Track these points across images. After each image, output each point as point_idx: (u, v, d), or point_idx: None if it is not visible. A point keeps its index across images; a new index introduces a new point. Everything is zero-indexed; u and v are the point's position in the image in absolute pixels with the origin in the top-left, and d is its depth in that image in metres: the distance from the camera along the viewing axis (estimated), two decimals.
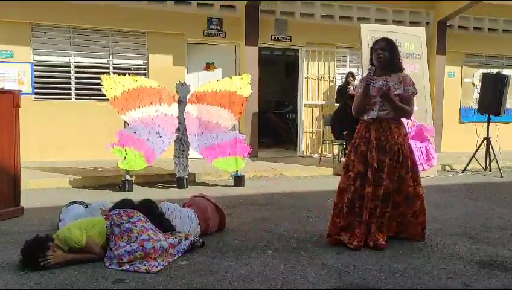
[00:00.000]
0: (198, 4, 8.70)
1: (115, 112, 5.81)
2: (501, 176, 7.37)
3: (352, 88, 8.95)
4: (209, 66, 9.08)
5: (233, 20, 8.91)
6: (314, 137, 9.71)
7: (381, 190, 3.41)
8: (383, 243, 3.42)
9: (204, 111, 6.18)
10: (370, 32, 7.27)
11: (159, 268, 2.93)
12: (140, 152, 5.79)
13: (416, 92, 3.57)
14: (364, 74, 3.57)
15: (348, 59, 9.96)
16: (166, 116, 6.01)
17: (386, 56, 3.49)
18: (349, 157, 3.55)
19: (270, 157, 8.94)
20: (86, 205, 4.05)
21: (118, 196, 4.88)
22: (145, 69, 8.62)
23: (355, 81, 9.17)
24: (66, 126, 8.02)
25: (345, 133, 7.96)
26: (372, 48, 3.59)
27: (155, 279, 2.78)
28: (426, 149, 7.35)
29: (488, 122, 7.81)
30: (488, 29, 10.72)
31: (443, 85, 10.20)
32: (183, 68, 8.75)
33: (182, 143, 6.12)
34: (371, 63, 3.60)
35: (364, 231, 3.40)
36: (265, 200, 5.31)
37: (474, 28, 10.65)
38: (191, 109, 6.13)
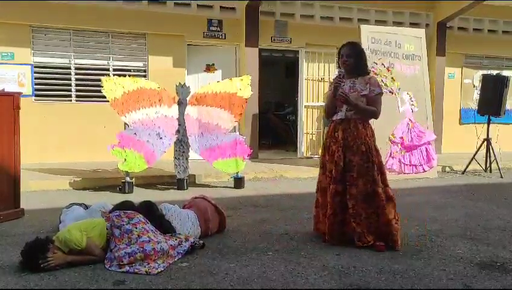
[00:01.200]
0: (198, 6, 8.70)
1: (115, 113, 5.81)
2: (501, 177, 7.37)
3: None
4: (209, 68, 9.08)
5: (233, 22, 8.92)
6: (314, 138, 9.71)
7: (354, 189, 3.48)
8: (380, 244, 3.42)
9: (204, 112, 6.18)
10: (370, 34, 7.28)
11: (159, 270, 2.92)
12: (140, 154, 5.79)
13: (382, 92, 3.70)
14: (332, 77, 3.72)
15: None
16: (167, 118, 6.02)
17: (352, 62, 3.63)
18: (324, 156, 3.69)
19: (270, 158, 8.94)
20: (86, 207, 4.05)
21: (118, 198, 4.88)
22: (145, 71, 8.63)
23: None
24: (66, 128, 8.02)
25: None
26: (339, 53, 3.74)
27: (155, 280, 2.78)
28: (426, 150, 7.37)
29: (488, 123, 7.81)
30: (488, 30, 10.73)
31: (443, 86, 10.20)
32: (183, 70, 8.75)
33: (182, 144, 6.12)
34: (339, 66, 3.76)
35: (335, 227, 3.50)
36: (265, 201, 5.30)
37: (474, 29, 10.66)
38: (191, 110, 6.14)
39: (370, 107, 3.60)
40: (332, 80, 3.78)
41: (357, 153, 3.51)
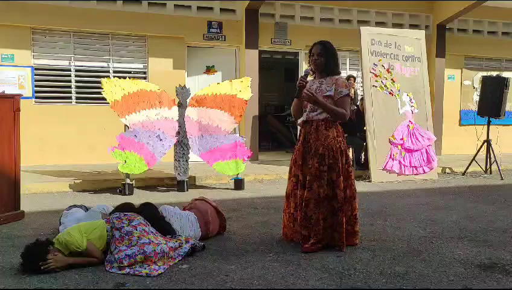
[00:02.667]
0: (198, 8, 8.72)
1: (115, 115, 5.82)
2: (501, 179, 7.37)
3: (352, 91, 8.96)
4: (209, 70, 9.09)
5: (233, 24, 8.93)
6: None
7: (308, 192, 3.38)
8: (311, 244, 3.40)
9: (204, 114, 6.18)
10: (370, 35, 7.30)
11: (159, 272, 2.92)
12: (140, 156, 5.79)
13: (349, 94, 3.57)
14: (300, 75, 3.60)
15: (348, 62, 9.98)
16: (167, 120, 6.02)
17: (322, 61, 3.51)
18: (292, 159, 3.62)
19: (271, 160, 8.94)
20: (87, 209, 4.05)
21: (118, 200, 4.88)
22: (145, 73, 8.64)
23: (356, 84, 9.19)
24: (67, 130, 8.02)
25: (344, 136, 7.96)
26: (310, 51, 3.61)
27: (156, 282, 2.78)
28: (426, 152, 7.37)
29: (488, 124, 7.81)
30: (488, 32, 10.76)
31: (443, 88, 10.22)
32: (183, 72, 8.77)
33: (182, 146, 6.12)
34: (309, 65, 3.66)
35: (307, 231, 3.42)
36: (265, 203, 5.30)
37: (474, 31, 10.69)
38: (191, 112, 6.14)
39: (339, 109, 3.43)
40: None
41: (314, 156, 3.40)
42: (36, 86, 8.03)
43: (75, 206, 4.12)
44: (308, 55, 3.65)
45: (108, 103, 5.76)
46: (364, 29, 7.38)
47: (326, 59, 3.51)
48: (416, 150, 7.27)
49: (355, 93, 9.09)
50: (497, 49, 10.85)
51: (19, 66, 7.85)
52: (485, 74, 9.86)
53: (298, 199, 3.50)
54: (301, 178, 3.49)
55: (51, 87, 8.17)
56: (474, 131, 7.79)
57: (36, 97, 8.03)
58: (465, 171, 7.92)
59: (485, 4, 9.41)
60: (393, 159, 7.09)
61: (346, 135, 8.04)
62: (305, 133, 3.54)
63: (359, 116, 7.78)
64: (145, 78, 8.49)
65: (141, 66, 8.67)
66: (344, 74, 9.81)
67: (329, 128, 3.46)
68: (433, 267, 3.09)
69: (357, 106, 8.29)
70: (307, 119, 3.52)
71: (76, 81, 8.30)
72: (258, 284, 2.76)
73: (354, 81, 9.03)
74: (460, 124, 10.82)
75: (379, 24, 9.65)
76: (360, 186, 6.71)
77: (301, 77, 3.49)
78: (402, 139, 7.15)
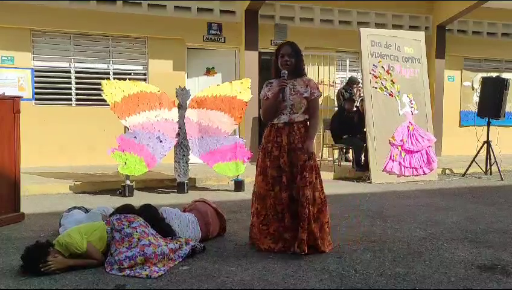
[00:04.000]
0: (198, 9, 8.73)
1: (115, 117, 5.82)
2: (501, 180, 7.37)
3: (358, 94, 8.99)
4: (209, 71, 9.10)
5: (233, 25, 8.94)
6: (314, 141, 9.69)
7: (295, 193, 3.38)
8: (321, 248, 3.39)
9: (204, 116, 6.18)
10: (370, 37, 7.30)
11: (159, 273, 2.92)
12: (140, 157, 5.79)
13: (321, 95, 3.61)
14: (279, 79, 3.49)
15: (347, 63, 9.98)
16: (167, 121, 6.02)
17: (293, 62, 3.49)
18: (264, 162, 3.49)
19: None
20: (87, 211, 4.04)
21: (119, 201, 4.88)
22: (145, 74, 8.65)
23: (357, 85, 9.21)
24: (67, 131, 8.03)
25: (344, 137, 7.98)
26: (278, 52, 3.55)
27: (156, 284, 2.77)
28: (426, 153, 7.37)
29: (488, 125, 7.81)
30: (487, 33, 10.77)
31: (443, 89, 10.23)
32: (183, 73, 8.77)
33: (182, 148, 6.12)
34: (276, 67, 3.55)
35: (292, 235, 3.36)
36: None
37: (473, 32, 10.70)
38: (191, 113, 6.14)
39: (314, 126, 3.54)
40: (269, 82, 3.59)
41: (300, 157, 3.40)
42: (36, 88, 8.03)
43: (75, 207, 4.12)
44: (276, 56, 3.56)
45: (108, 105, 5.77)
46: (364, 31, 7.38)
47: (296, 60, 3.51)
48: (416, 151, 7.27)
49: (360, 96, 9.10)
50: (496, 50, 10.86)
51: (19, 68, 7.86)
52: (484, 74, 9.87)
53: (287, 202, 3.39)
54: (287, 181, 3.39)
55: (51, 89, 8.18)
56: (474, 132, 7.79)
57: (36, 99, 8.03)
58: (465, 172, 7.92)
59: (484, 5, 9.42)
60: (393, 160, 7.09)
61: (346, 136, 8.13)
62: (287, 134, 3.45)
63: (359, 117, 7.79)
64: (145, 79, 8.50)
65: (141, 67, 8.68)
66: (344, 75, 9.83)
67: (306, 130, 3.53)
68: (433, 268, 3.08)
69: (357, 107, 8.30)
70: (289, 121, 3.47)
71: (76, 83, 8.31)
72: (258, 286, 2.75)
73: (357, 84, 9.07)
74: (460, 125, 10.83)
75: (379, 25, 9.66)
76: (360, 187, 6.72)
77: (283, 78, 3.44)
78: (402, 140, 7.15)
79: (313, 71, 9.58)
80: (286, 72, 3.46)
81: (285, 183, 3.40)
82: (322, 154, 8.92)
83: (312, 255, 3.34)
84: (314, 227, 3.36)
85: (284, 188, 3.40)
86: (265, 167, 3.48)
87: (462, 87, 10.86)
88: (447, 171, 8.23)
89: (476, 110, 8.16)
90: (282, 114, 3.48)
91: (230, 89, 6.32)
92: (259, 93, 9.67)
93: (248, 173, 6.83)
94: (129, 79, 6.08)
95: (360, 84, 8.87)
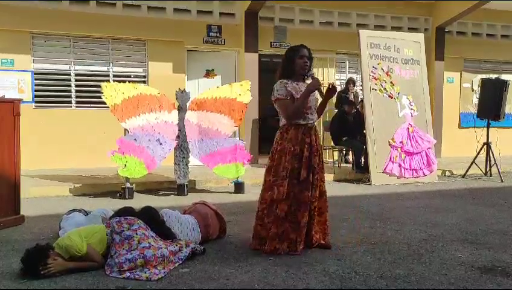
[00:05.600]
0: (197, 12, 8.75)
1: (115, 119, 5.82)
2: (501, 181, 7.37)
3: (352, 95, 8.98)
4: (208, 73, 9.11)
5: (232, 28, 8.95)
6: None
7: (317, 190, 3.53)
8: (323, 242, 3.55)
9: (204, 118, 6.19)
10: (369, 39, 7.31)
11: (159, 276, 2.92)
12: (140, 159, 5.79)
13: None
14: (307, 81, 3.55)
15: (347, 65, 9.99)
16: (167, 124, 6.02)
17: (309, 64, 3.56)
18: (293, 164, 3.41)
19: None
20: (87, 213, 4.04)
21: (119, 204, 4.87)
22: (145, 77, 8.65)
23: (355, 87, 9.21)
24: (66, 134, 8.03)
25: (344, 139, 7.98)
26: (293, 54, 3.55)
27: (156, 286, 2.77)
28: (426, 154, 7.37)
29: (488, 127, 7.82)
30: (487, 34, 10.79)
31: (442, 90, 10.25)
32: (183, 75, 8.78)
33: (182, 150, 6.13)
34: (283, 69, 3.56)
35: (309, 233, 3.51)
36: None
37: (473, 33, 10.72)
38: (191, 116, 6.14)
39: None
40: (285, 82, 3.51)
41: (320, 155, 3.58)
42: (36, 91, 8.04)
43: (75, 210, 4.11)
44: (293, 56, 3.54)
45: (108, 107, 5.77)
46: (363, 33, 7.39)
47: (310, 63, 3.59)
48: (416, 153, 7.27)
49: (355, 96, 9.10)
50: (496, 51, 10.87)
51: (18, 71, 7.87)
52: (484, 76, 9.87)
53: (310, 202, 3.46)
54: (313, 180, 3.46)
55: (51, 91, 8.18)
56: (473, 133, 7.79)
57: (36, 101, 8.04)
58: (465, 174, 7.92)
59: (484, 7, 9.44)
60: (393, 162, 7.09)
61: (346, 138, 8.12)
62: (315, 135, 3.55)
63: (359, 119, 7.79)
64: (145, 82, 8.51)
65: (141, 70, 8.69)
66: (344, 77, 9.83)
67: None
68: (433, 270, 3.08)
69: (357, 108, 8.30)
70: (314, 121, 3.57)
71: (76, 86, 8.32)
72: (258, 288, 2.75)
73: (354, 86, 9.06)
74: (460, 127, 10.83)
75: (378, 27, 9.66)
76: (360, 189, 6.71)
77: (316, 78, 3.50)
78: (402, 142, 7.15)
79: None
80: (310, 73, 3.56)
81: (311, 183, 3.46)
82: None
83: (312, 256, 3.34)
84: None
85: (309, 188, 3.45)
86: (294, 169, 3.43)
87: (461, 89, 10.87)
88: (447, 173, 8.23)
89: (476, 112, 8.17)
90: (308, 114, 3.51)
91: (230, 91, 6.33)
92: (259, 95, 9.72)
93: (248, 175, 6.85)
94: (129, 81, 6.09)
95: (350, 84, 8.89)
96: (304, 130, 3.49)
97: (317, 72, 9.57)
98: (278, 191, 3.42)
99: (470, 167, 7.84)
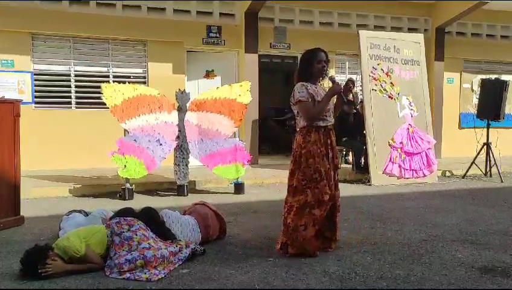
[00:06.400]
0: (197, 12, 8.75)
1: (114, 120, 5.82)
2: (501, 181, 7.37)
3: (351, 95, 8.97)
4: (208, 74, 9.11)
5: (232, 28, 8.96)
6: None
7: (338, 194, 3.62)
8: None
9: (204, 118, 6.19)
10: (369, 39, 7.31)
11: (159, 276, 2.92)
12: (140, 160, 5.78)
13: None
14: (328, 84, 3.58)
15: (347, 66, 10.00)
16: (166, 124, 6.02)
17: (326, 67, 3.60)
18: (325, 165, 3.42)
19: (270, 164, 8.93)
20: (86, 214, 4.04)
21: (118, 204, 4.87)
22: (145, 77, 8.65)
23: (355, 87, 9.21)
24: (66, 135, 8.03)
25: (344, 139, 7.98)
26: (311, 57, 3.57)
27: (156, 287, 2.77)
28: (426, 155, 7.37)
29: (488, 127, 7.81)
30: (486, 35, 10.79)
31: (442, 91, 10.24)
32: (183, 76, 8.78)
33: (182, 151, 6.13)
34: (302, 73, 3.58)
35: (330, 232, 3.57)
36: (265, 207, 5.30)
37: (472, 34, 10.71)
38: (191, 116, 6.14)
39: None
40: (306, 85, 3.49)
41: (334, 157, 3.60)
42: (36, 91, 8.04)
43: (74, 211, 4.11)
44: (311, 60, 3.56)
45: (108, 108, 5.77)
46: (363, 33, 7.39)
47: (327, 66, 3.61)
48: (416, 153, 7.27)
49: (355, 96, 9.10)
50: (496, 52, 10.87)
51: (18, 72, 7.86)
52: (484, 76, 9.87)
53: (337, 200, 3.58)
54: (336, 178, 3.57)
55: (51, 92, 8.18)
56: (473, 134, 7.79)
57: (36, 102, 8.04)
58: (465, 174, 7.92)
59: (483, 7, 9.43)
60: (393, 163, 7.09)
61: (346, 138, 8.12)
62: (333, 135, 3.58)
63: (359, 119, 7.79)
64: (144, 82, 8.51)
65: (141, 70, 8.69)
66: (343, 77, 9.83)
67: None
68: (433, 270, 3.08)
69: (357, 109, 8.30)
70: (331, 124, 3.58)
71: (76, 86, 8.32)
72: (258, 288, 2.75)
73: (353, 86, 9.05)
74: (460, 127, 10.83)
75: (378, 28, 9.67)
76: (360, 189, 6.71)
77: (337, 82, 3.54)
78: (401, 142, 7.15)
79: None
80: (333, 76, 3.63)
81: (337, 182, 3.56)
82: None
83: (312, 258, 3.33)
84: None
85: (336, 187, 3.56)
86: (327, 170, 3.45)
87: (461, 89, 10.87)
88: (447, 173, 8.23)
89: (476, 112, 8.16)
90: (326, 117, 3.52)
91: (230, 91, 6.33)
92: (259, 96, 9.73)
93: (248, 175, 6.85)
94: (129, 82, 6.08)
95: (349, 84, 8.87)
96: (324, 131, 3.52)
97: None
98: (312, 193, 3.38)
99: (470, 168, 7.84)
